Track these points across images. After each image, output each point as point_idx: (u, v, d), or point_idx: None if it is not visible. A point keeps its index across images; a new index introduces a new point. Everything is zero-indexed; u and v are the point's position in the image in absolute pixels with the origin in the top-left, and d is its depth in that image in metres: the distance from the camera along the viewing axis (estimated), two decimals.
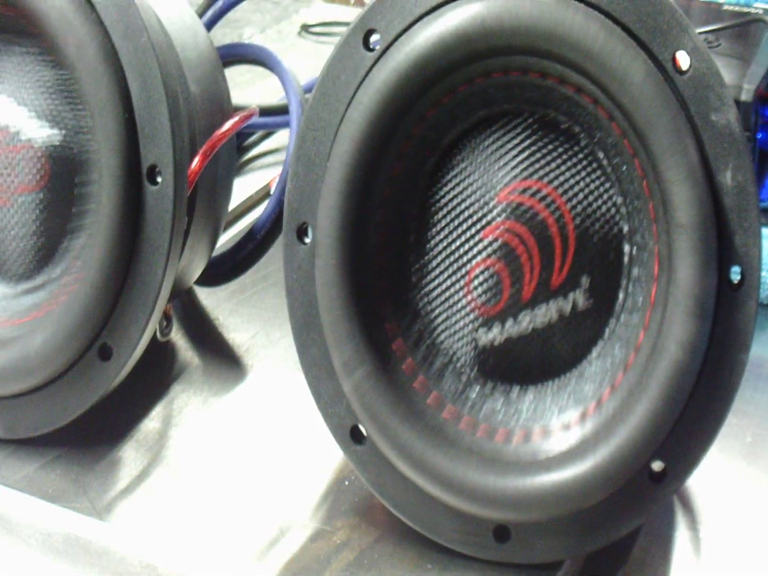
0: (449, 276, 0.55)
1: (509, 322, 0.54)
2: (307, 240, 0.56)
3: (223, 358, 0.71)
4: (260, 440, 0.63)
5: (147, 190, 0.58)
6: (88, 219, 0.60)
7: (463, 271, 0.55)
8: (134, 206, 0.58)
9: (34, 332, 0.59)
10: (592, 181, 0.53)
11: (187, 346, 0.71)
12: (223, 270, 0.72)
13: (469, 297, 0.55)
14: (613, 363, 0.53)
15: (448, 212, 0.55)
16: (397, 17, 0.53)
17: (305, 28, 1.20)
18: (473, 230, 0.55)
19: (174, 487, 0.60)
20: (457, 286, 0.55)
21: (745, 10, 0.82)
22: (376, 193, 0.54)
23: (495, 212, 0.54)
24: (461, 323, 0.55)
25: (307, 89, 0.96)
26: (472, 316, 0.55)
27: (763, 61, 0.74)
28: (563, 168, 0.53)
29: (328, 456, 0.61)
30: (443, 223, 0.55)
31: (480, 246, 0.54)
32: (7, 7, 0.60)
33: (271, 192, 0.71)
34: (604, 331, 0.54)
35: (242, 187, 0.87)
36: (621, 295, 0.53)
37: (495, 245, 0.54)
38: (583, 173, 0.53)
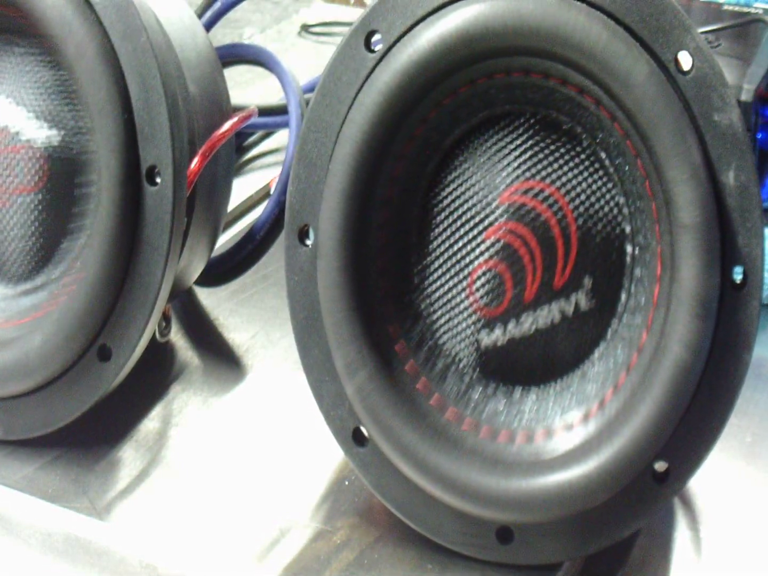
0: (451, 277, 0.55)
1: (511, 324, 0.54)
2: (309, 242, 0.55)
3: (223, 358, 0.71)
4: (260, 440, 0.63)
5: (146, 190, 0.58)
6: (87, 220, 0.60)
7: (465, 272, 0.55)
8: (133, 207, 0.57)
9: (33, 333, 0.59)
10: (595, 181, 0.53)
11: (186, 346, 0.71)
12: (223, 270, 0.72)
13: (472, 298, 0.55)
14: (616, 363, 0.53)
15: (450, 213, 0.55)
16: (398, 18, 0.53)
17: (305, 28, 1.20)
18: (475, 231, 0.54)
19: (174, 487, 0.60)
20: (459, 288, 0.55)
21: (745, 10, 0.82)
22: (377, 194, 0.54)
23: (497, 213, 0.54)
24: (463, 325, 0.55)
25: (307, 90, 0.96)
26: (474, 318, 0.55)
27: (763, 61, 0.74)
28: (565, 169, 0.53)
29: (329, 456, 0.61)
30: (445, 224, 0.55)
31: (482, 247, 0.54)
32: (7, 8, 0.60)
33: (271, 192, 0.71)
34: (606, 332, 0.54)
35: (242, 187, 0.87)
36: (623, 296, 0.53)
37: (497, 246, 0.54)
38: (586, 174, 0.53)
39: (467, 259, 0.55)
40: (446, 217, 0.55)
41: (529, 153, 0.53)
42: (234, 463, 0.61)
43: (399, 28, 0.52)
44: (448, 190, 0.55)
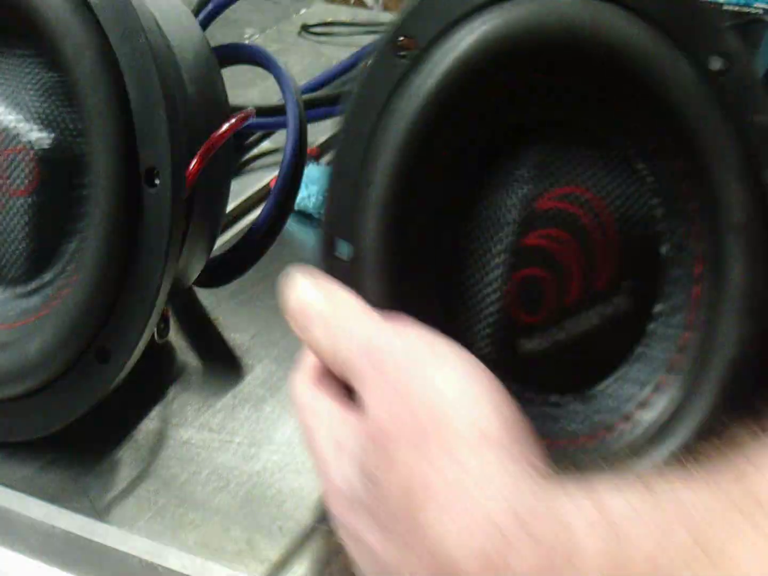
0: (490, 286, 0.54)
1: (551, 330, 0.54)
2: (345, 256, 0.52)
3: (223, 358, 0.71)
4: (260, 440, 0.63)
5: (145, 192, 0.58)
6: (85, 222, 0.60)
7: (504, 280, 0.53)
8: (132, 209, 0.57)
9: (31, 335, 0.59)
10: (632, 184, 0.53)
11: (186, 347, 0.71)
12: (222, 271, 0.72)
13: (511, 306, 0.54)
14: (656, 364, 0.53)
15: (489, 220, 0.54)
16: (432, 22, 0.51)
17: (305, 28, 1.20)
18: (514, 238, 0.53)
19: (174, 487, 0.60)
20: (498, 296, 0.54)
21: (745, 10, 0.82)
22: (420, 203, 0.52)
23: (535, 219, 0.53)
24: (503, 333, 0.54)
25: (306, 89, 0.96)
26: (513, 326, 0.54)
27: (763, 61, 0.75)
28: (603, 172, 0.53)
29: None
30: (484, 231, 0.54)
31: (521, 254, 0.53)
32: (4, 9, 0.60)
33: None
34: (644, 333, 0.53)
35: (241, 188, 0.87)
36: (661, 296, 0.53)
37: (536, 252, 0.53)
38: (623, 177, 0.53)
39: (506, 267, 0.54)
40: (485, 224, 0.54)
41: (567, 158, 0.53)
42: (234, 463, 0.61)
43: (432, 32, 0.51)
44: (486, 196, 0.53)
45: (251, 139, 0.95)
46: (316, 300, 0.50)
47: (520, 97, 0.52)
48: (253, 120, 0.67)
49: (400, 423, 0.44)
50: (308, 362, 0.51)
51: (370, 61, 0.51)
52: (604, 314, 0.53)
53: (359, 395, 0.46)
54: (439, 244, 0.54)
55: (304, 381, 0.51)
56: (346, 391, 0.49)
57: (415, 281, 0.53)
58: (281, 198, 0.70)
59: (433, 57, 0.50)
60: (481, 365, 0.46)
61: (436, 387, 0.44)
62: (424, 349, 0.46)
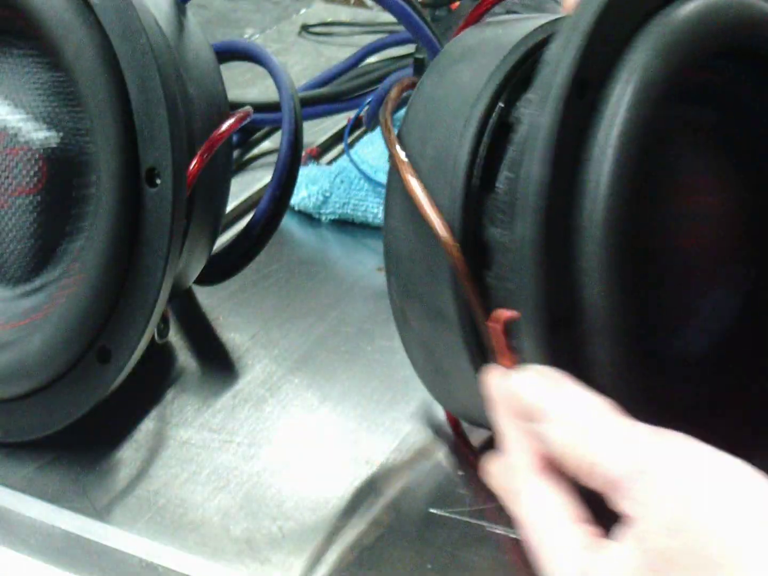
0: (679, 305, 0.53)
1: (704, 333, 0.53)
2: (564, 330, 0.47)
3: (223, 358, 0.71)
4: (260, 440, 0.63)
5: (146, 192, 0.57)
6: (86, 221, 0.60)
7: (678, 294, 0.52)
8: (133, 208, 0.57)
9: (32, 335, 0.59)
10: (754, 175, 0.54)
11: (187, 346, 0.71)
12: (220, 268, 0.72)
13: (663, 318, 0.52)
14: None
15: (669, 233, 0.52)
16: (599, 57, 0.46)
17: (305, 28, 1.20)
18: (683, 245, 0.52)
19: (174, 487, 0.60)
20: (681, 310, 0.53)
21: None
22: (637, 251, 0.47)
23: (689, 219, 0.52)
24: (670, 347, 0.52)
25: (304, 89, 0.96)
26: (678, 336, 0.53)
27: None
28: (737, 175, 0.53)
29: (329, 456, 0.62)
30: (669, 247, 0.52)
31: (679, 259, 0.52)
32: (6, 9, 0.60)
33: None
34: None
35: (242, 188, 0.87)
36: None
37: (693, 255, 0.53)
38: (746, 171, 0.54)
39: (665, 276, 0.52)
40: (672, 241, 0.52)
41: (714, 158, 0.53)
42: (233, 463, 0.62)
43: (602, 65, 0.46)
44: (668, 211, 0.52)
45: (255, 136, 0.95)
46: (559, 398, 0.45)
47: (687, 104, 0.51)
48: (254, 116, 0.67)
49: (687, 554, 0.40)
50: (529, 450, 0.45)
51: (547, 118, 0.46)
52: (746, 293, 0.54)
53: (625, 515, 0.42)
54: (652, 284, 0.51)
55: (532, 479, 0.45)
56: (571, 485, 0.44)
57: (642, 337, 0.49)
58: (278, 192, 0.70)
59: (612, 91, 0.47)
60: (756, 473, 0.42)
61: (723, 513, 0.40)
62: (702, 470, 0.42)
